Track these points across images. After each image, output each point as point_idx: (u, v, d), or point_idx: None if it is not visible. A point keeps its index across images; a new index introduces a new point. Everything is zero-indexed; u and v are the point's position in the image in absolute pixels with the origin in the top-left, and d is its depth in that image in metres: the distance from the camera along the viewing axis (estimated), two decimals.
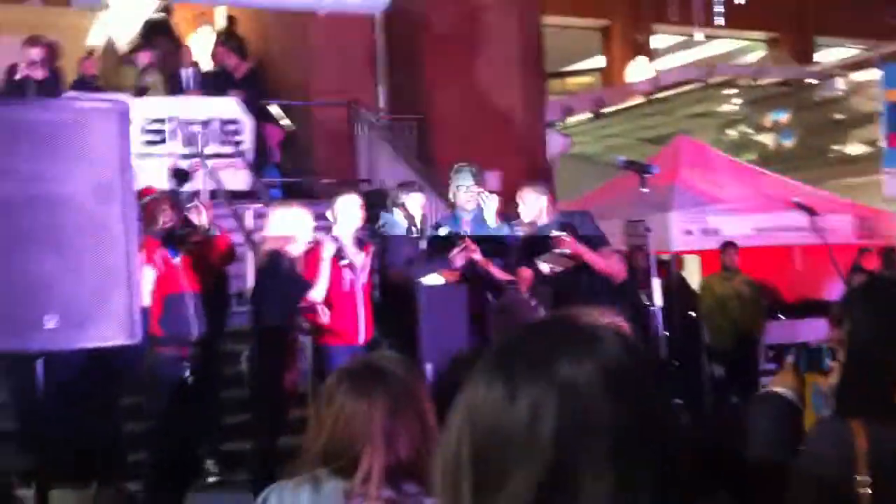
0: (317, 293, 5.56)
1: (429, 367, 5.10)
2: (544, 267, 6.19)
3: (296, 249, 5.56)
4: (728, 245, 9.22)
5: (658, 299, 5.61)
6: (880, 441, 2.30)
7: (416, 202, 6.45)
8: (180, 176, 5.77)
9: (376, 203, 10.52)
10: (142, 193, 5.70)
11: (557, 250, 6.13)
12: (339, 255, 5.75)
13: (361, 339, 5.74)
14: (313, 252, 5.64)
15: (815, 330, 6.46)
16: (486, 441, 0.91)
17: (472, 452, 0.92)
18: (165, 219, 5.72)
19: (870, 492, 2.28)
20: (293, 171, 12.32)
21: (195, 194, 6.63)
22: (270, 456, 5.35)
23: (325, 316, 5.63)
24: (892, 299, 2.44)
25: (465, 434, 0.93)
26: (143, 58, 11.65)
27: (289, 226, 5.60)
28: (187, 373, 5.46)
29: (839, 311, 2.61)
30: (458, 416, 0.95)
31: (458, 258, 5.99)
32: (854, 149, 18.99)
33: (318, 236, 5.67)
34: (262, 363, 5.57)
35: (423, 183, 10.67)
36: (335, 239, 5.79)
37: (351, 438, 2.08)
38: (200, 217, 5.79)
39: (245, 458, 6.32)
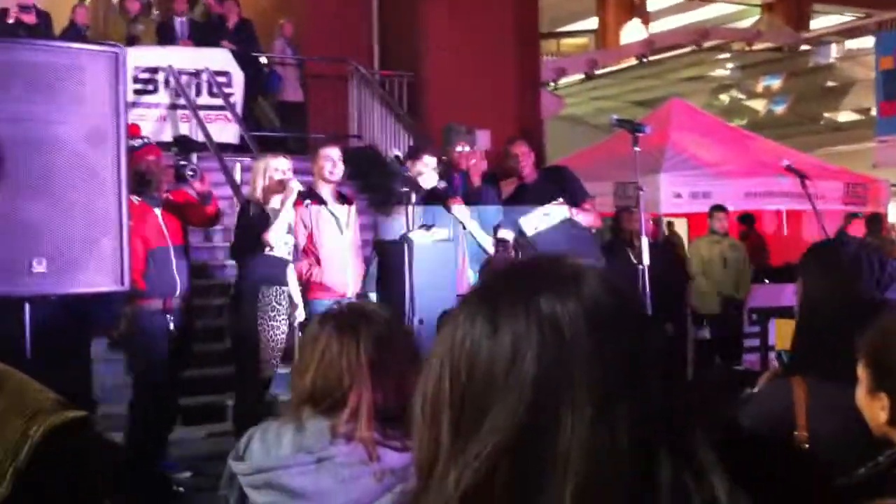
0: (272, 234, 5.50)
1: (417, 323, 5.11)
2: (530, 226, 6.25)
3: (276, 198, 5.56)
4: (716, 209, 9.24)
5: (646, 259, 5.63)
6: (819, 397, 2.34)
7: (430, 166, 6.30)
8: (181, 175, 5.72)
9: (367, 158, 10.52)
10: (143, 153, 5.66)
11: (541, 209, 6.23)
12: (315, 200, 5.74)
13: (350, 292, 5.74)
14: (298, 204, 5.63)
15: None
16: (466, 377, 0.91)
17: (452, 388, 0.92)
18: (167, 188, 5.72)
19: (807, 447, 2.32)
20: (285, 125, 12.27)
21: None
22: (254, 408, 5.37)
23: (317, 273, 5.65)
24: (840, 262, 2.47)
25: (446, 370, 0.93)
26: (134, 6, 11.53)
27: (252, 175, 5.65)
28: (171, 325, 5.46)
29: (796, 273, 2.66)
30: (439, 351, 0.95)
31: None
32: (845, 116, 19.02)
33: (285, 179, 5.63)
34: (240, 315, 5.57)
35: (414, 140, 10.70)
36: (305, 185, 5.76)
37: (338, 377, 2.06)
38: (204, 185, 5.80)
39: (229, 411, 6.37)
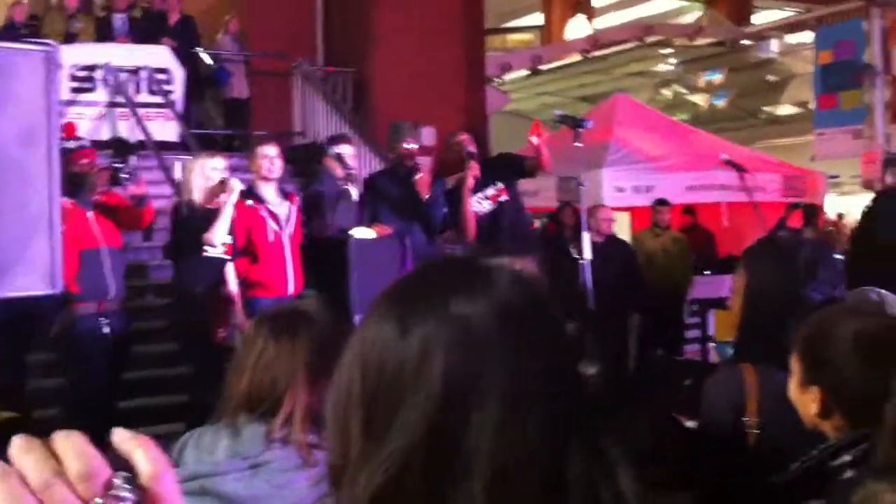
0: (214, 234, 5.44)
1: (359, 320, 5.09)
2: (481, 204, 6.36)
3: (212, 198, 5.50)
4: (659, 202, 9.35)
5: (587, 253, 5.68)
6: (769, 384, 2.40)
7: (348, 153, 6.42)
8: (116, 179, 5.64)
9: (311, 156, 10.46)
10: (78, 156, 5.57)
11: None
12: (255, 199, 5.71)
13: (290, 290, 5.70)
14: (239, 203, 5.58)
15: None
16: (376, 378, 0.91)
17: (363, 390, 0.92)
18: (101, 191, 5.62)
19: (756, 432, 2.37)
20: (230, 122, 12.17)
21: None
22: (204, 409, 5.31)
23: (256, 272, 5.63)
24: (785, 257, 2.55)
25: (356, 371, 0.93)
26: (72, 3, 11.34)
27: (185, 176, 5.59)
28: (106, 329, 5.39)
29: (740, 263, 2.73)
30: (350, 354, 0.95)
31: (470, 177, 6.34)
32: (785, 110, 19.32)
33: (224, 177, 5.58)
34: (185, 316, 5.52)
35: (358, 137, 10.66)
36: (244, 182, 5.73)
37: (273, 381, 2.04)
38: (139, 189, 5.72)
39: (179, 411, 6.29)
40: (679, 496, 2.61)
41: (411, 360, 0.89)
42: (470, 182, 6.39)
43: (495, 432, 0.86)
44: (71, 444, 0.61)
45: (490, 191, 6.58)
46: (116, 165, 5.66)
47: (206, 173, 5.56)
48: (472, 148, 6.55)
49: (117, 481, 0.61)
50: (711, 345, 7.62)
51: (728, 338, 3.62)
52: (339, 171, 6.29)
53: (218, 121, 12.16)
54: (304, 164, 9.65)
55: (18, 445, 0.61)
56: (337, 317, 2.25)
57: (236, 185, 5.54)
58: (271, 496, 1.96)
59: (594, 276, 5.50)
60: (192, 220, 5.46)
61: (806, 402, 2.01)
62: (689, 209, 10.30)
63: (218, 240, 5.45)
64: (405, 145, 6.67)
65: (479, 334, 0.89)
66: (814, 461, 1.90)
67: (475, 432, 0.86)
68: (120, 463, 0.62)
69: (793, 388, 2.07)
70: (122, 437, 0.64)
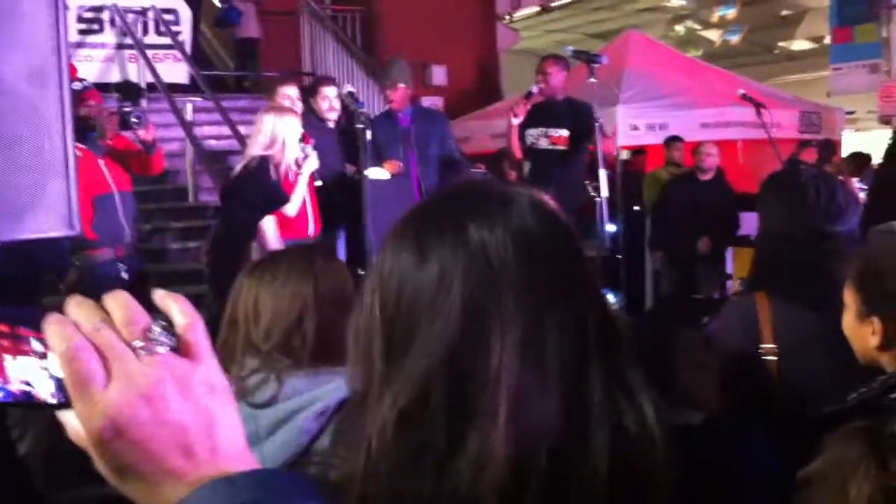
0: (291, 208, 5.43)
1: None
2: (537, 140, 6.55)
3: (283, 159, 5.38)
4: (673, 139, 9.25)
5: (604, 191, 5.64)
6: (783, 312, 2.38)
7: (332, 94, 6.36)
8: (127, 123, 5.48)
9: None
10: (84, 97, 5.48)
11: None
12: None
13: (311, 231, 5.69)
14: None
15: (755, 222, 6.55)
16: (395, 304, 0.93)
17: (382, 317, 0.93)
18: (111, 135, 5.52)
19: (775, 359, 2.36)
20: (239, 62, 12.07)
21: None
22: None
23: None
24: (795, 192, 2.50)
25: (376, 299, 0.94)
26: None
27: (280, 133, 5.38)
28: (125, 274, 5.37)
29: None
30: (370, 283, 0.97)
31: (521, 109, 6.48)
32: (800, 45, 19.06)
33: (304, 149, 5.50)
34: (224, 261, 5.43)
35: (368, 76, 10.56)
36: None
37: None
38: (148, 134, 5.61)
39: None
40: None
41: (430, 284, 0.91)
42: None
43: (515, 353, 0.88)
44: (116, 299, 0.72)
45: (555, 132, 6.54)
46: (126, 109, 5.56)
47: (275, 129, 5.37)
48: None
49: (156, 328, 0.70)
50: (730, 283, 7.59)
51: (746, 275, 3.60)
52: (325, 113, 6.26)
53: (227, 60, 12.05)
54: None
55: (72, 301, 0.72)
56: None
57: (312, 160, 5.53)
58: None
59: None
60: (274, 184, 5.32)
61: (864, 335, 1.98)
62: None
63: (293, 212, 5.44)
64: (400, 85, 6.59)
65: (497, 261, 0.91)
66: (872, 393, 1.88)
67: (495, 355, 0.88)
68: (158, 315, 0.72)
69: (848, 322, 2.04)
70: (159, 294, 0.74)
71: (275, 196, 5.34)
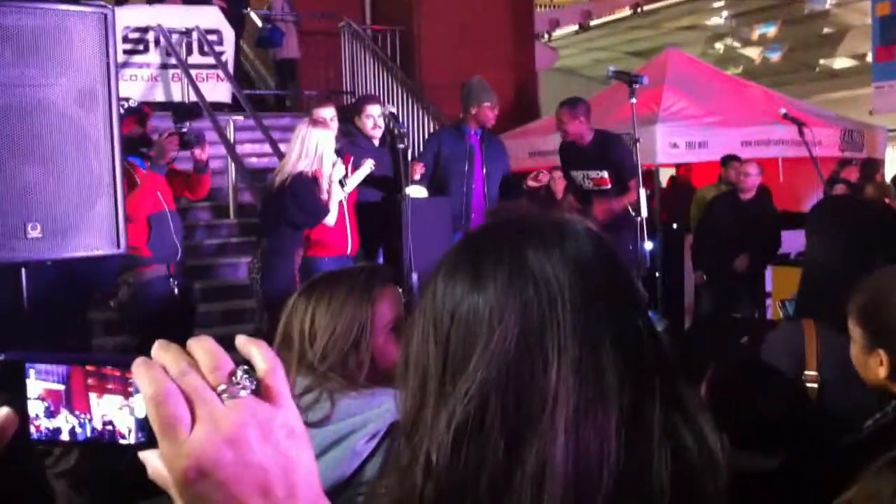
0: (331, 218, 5.49)
1: (415, 278, 5.11)
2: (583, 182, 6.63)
3: (321, 171, 5.44)
4: (730, 158, 9.16)
5: (643, 210, 5.63)
6: (828, 341, 2.36)
7: (376, 112, 6.39)
8: (187, 143, 5.57)
9: (346, 117, 10.47)
10: (142, 118, 5.59)
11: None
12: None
13: (349, 249, 5.73)
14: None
15: (795, 241, 6.51)
16: (450, 327, 0.94)
17: (437, 340, 0.94)
18: (172, 155, 5.62)
19: (816, 386, 2.35)
20: (278, 82, 12.21)
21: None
22: None
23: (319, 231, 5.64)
24: (847, 221, 2.49)
25: (430, 323, 0.96)
26: None
27: (320, 148, 5.44)
28: (176, 290, 5.43)
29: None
30: (422, 306, 0.98)
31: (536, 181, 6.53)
32: (841, 63, 18.90)
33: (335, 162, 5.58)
34: (273, 276, 5.47)
35: (406, 94, 10.62)
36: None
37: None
38: (203, 154, 5.72)
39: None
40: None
41: (487, 308, 0.92)
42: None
43: (573, 370, 0.89)
44: (201, 344, 0.74)
45: (595, 173, 6.61)
46: (184, 130, 5.65)
47: (315, 144, 5.44)
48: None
49: (239, 373, 0.73)
50: (769, 301, 7.52)
51: (786, 296, 3.57)
52: (370, 131, 6.30)
53: (269, 80, 12.19)
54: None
55: (158, 345, 0.74)
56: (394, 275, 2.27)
57: (340, 168, 5.63)
58: None
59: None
60: (316, 199, 5.40)
61: (872, 365, 2.00)
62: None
63: (332, 222, 5.52)
64: (486, 104, 6.68)
65: (555, 288, 0.92)
66: (888, 418, 1.88)
67: (552, 372, 0.89)
68: (241, 360, 0.74)
69: (856, 353, 2.05)
70: (242, 341, 0.76)
71: (316, 209, 5.40)
